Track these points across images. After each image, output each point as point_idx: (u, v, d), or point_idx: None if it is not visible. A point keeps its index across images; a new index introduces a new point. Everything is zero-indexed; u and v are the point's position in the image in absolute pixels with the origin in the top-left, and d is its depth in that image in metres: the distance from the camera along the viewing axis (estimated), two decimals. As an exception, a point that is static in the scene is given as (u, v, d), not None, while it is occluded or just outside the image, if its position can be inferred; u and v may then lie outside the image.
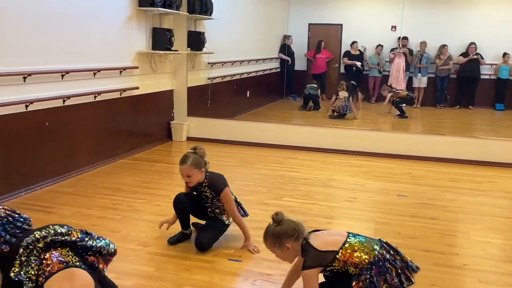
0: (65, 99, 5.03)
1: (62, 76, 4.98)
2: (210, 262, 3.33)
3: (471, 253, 3.63)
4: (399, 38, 10.37)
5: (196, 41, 7.29)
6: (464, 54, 10.00)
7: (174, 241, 3.60)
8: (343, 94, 9.02)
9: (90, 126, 5.57)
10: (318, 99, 9.95)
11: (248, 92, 9.63)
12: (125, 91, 6.00)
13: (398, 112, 9.02)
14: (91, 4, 5.41)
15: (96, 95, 5.50)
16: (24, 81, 4.50)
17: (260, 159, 6.41)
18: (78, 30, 5.25)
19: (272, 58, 10.92)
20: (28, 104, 4.57)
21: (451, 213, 4.50)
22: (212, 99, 7.63)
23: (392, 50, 10.35)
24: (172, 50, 6.69)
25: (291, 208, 4.45)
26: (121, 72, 5.95)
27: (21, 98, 4.50)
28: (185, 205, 3.58)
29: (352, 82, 9.53)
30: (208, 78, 7.88)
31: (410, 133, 7.77)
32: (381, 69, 10.55)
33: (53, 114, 4.93)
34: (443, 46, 10.16)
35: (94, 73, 5.45)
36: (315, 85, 9.98)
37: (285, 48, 11.05)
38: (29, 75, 4.52)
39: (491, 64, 10.11)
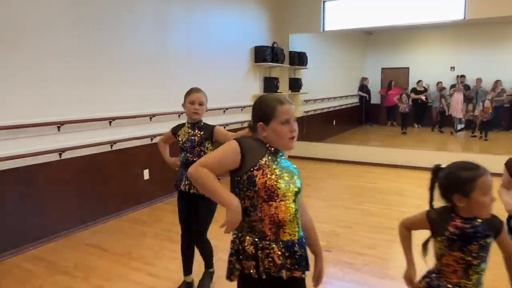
0: (205, 129, 5.34)
1: (203, 113, 5.32)
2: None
3: None
4: (457, 76, 9.65)
5: (295, 85, 7.39)
6: (517, 87, 9.02)
7: None
8: None
9: (221, 148, 5.83)
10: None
11: (334, 121, 9.50)
12: (245, 122, 6.19)
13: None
14: (224, 61, 5.76)
15: (225, 126, 5.76)
16: (179, 117, 4.85)
17: (344, 173, 6.26)
18: (218, 79, 5.59)
19: (353, 95, 10.69)
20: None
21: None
22: (307, 127, 7.63)
23: (452, 86, 9.65)
24: (277, 92, 6.82)
25: (369, 211, 4.30)
26: (242, 109, 6.21)
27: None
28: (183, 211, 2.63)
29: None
30: (304, 112, 7.91)
31: (469, 153, 7.07)
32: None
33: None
34: (497, 81, 9.23)
35: (224, 111, 5.76)
36: None
37: (363, 87, 10.81)
38: (180, 114, 4.87)
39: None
